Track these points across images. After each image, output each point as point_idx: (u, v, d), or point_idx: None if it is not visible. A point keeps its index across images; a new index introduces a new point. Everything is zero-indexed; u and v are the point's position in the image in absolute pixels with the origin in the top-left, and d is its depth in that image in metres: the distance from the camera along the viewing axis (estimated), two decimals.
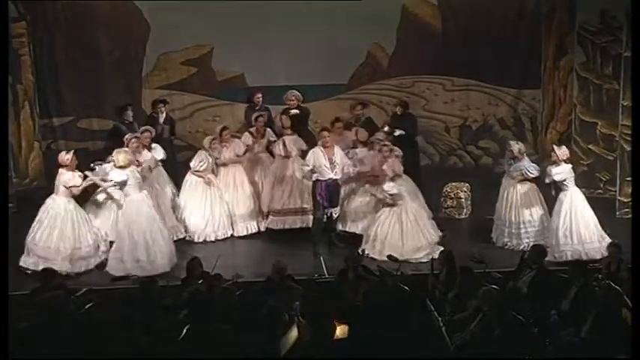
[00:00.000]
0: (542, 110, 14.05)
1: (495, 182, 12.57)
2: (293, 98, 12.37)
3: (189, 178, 11.67)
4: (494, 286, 8.36)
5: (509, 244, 11.16)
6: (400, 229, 10.84)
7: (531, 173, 11.05)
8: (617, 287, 8.32)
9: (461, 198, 12.33)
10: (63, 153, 10.67)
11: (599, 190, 12.69)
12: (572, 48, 12.99)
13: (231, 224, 11.77)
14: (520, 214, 11.10)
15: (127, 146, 11.08)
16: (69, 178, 10.48)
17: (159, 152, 11.64)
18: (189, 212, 11.63)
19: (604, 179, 12.44)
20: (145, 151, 11.46)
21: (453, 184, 12.40)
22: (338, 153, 11.15)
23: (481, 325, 7.55)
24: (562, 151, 10.79)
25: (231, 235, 11.76)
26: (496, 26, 13.90)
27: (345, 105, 13.36)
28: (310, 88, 12.88)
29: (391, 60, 14.23)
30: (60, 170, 10.53)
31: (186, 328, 7.59)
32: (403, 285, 8.65)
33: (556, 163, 10.73)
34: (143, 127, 11.67)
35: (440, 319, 7.75)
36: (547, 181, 10.83)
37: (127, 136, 11.34)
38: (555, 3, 13.56)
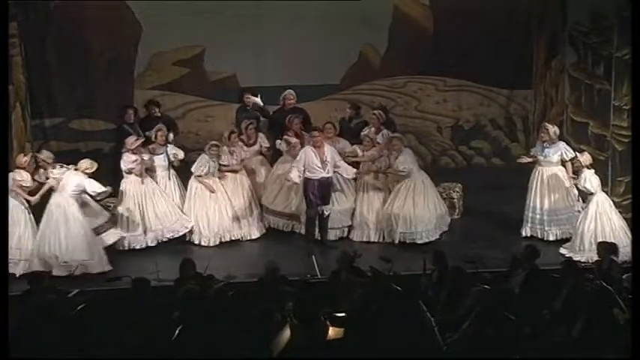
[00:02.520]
0: (533, 110, 14.09)
1: (488, 182, 12.65)
2: (292, 97, 12.37)
3: (194, 185, 11.68)
4: (486, 286, 8.39)
5: (537, 231, 11.41)
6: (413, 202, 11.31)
7: (570, 153, 11.26)
8: (608, 287, 8.35)
9: (453, 198, 12.36)
10: None
11: None
12: (564, 48, 13.03)
13: (239, 227, 11.77)
14: (556, 200, 11.30)
15: (131, 150, 11.26)
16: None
17: (173, 150, 11.76)
18: (200, 218, 11.62)
19: None
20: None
21: (446, 184, 12.42)
22: (329, 151, 11.19)
23: (473, 325, 7.56)
24: (585, 158, 10.91)
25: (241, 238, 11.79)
26: (488, 26, 13.93)
27: (337, 105, 13.37)
28: (303, 88, 12.89)
29: (383, 60, 14.25)
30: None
31: (179, 328, 7.59)
32: (395, 285, 8.65)
33: (580, 170, 10.85)
34: (157, 127, 11.77)
35: (432, 319, 7.76)
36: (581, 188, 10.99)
37: (129, 140, 11.42)
38: (546, 3, 13.60)
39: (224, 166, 11.75)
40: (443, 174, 12.58)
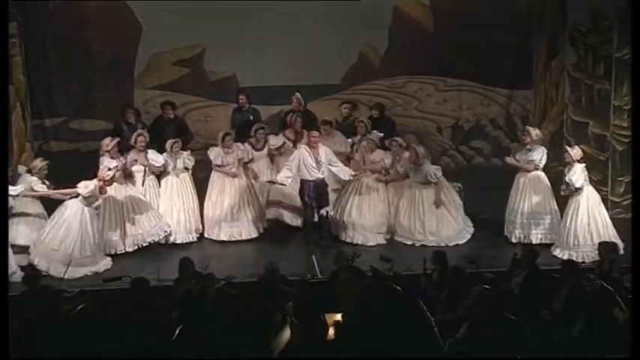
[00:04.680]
0: (534, 110, 14.09)
1: (488, 182, 12.64)
2: (295, 101, 12.43)
3: (165, 182, 11.78)
4: (486, 286, 8.40)
5: (520, 235, 11.32)
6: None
7: (543, 161, 11.27)
8: (608, 287, 8.36)
9: None
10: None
11: None
12: (564, 48, 13.03)
13: (220, 227, 11.83)
14: (532, 204, 11.26)
15: (109, 150, 11.21)
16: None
17: (153, 157, 11.66)
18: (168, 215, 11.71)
19: (595, 179, 12.47)
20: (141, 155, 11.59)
21: None
22: (323, 151, 11.20)
23: (473, 325, 7.56)
24: (575, 152, 10.92)
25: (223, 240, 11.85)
26: (488, 27, 13.91)
27: (337, 105, 13.36)
28: (303, 88, 12.89)
29: (383, 60, 14.24)
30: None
31: (179, 328, 7.59)
32: (396, 285, 8.66)
33: (570, 164, 10.83)
34: (137, 132, 11.73)
35: (432, 319, 7.77)
36: (565, 186, 10.94)
37: (104, 141, 11.38)
38: (546, 4, 13.60)
39: (218, 166, 11.79)
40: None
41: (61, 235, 10.57)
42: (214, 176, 11.89)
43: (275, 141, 12.09)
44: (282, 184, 11.26)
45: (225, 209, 11.74)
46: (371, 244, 11.55)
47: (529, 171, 11.32)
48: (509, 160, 11.60)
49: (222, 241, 11.79)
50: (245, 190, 11.83)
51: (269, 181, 11.64)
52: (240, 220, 11.79)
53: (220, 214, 11.77)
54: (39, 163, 11.11)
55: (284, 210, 12.07)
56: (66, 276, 10.11)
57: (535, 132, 11.47)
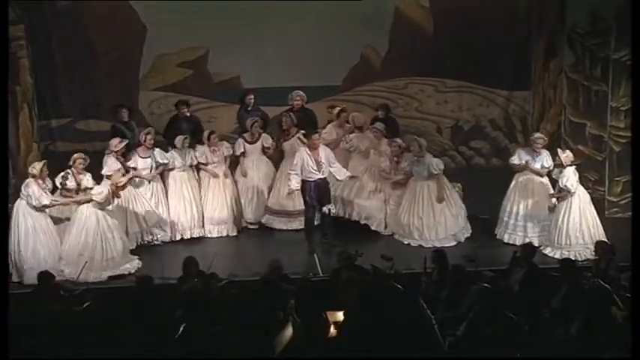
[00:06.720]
0: (532, 111, 14.17)
1: (487, 182, 12.73)
2: (299, 98, 12.56)
3: (169, 180, 11.93)
4: (486, 285, 8.52)
5: (514, 237, 11.42)
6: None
7: (549, 162, 11.34)
8: (606, 285, 8.48)
9: None
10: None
11: (588, 190, 12.74)
12: (562, 50, 13.13)
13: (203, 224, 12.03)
14: (531, 206, 11.36)
15: (117, 150, 11.32)
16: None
17: (159, 156, 11.78)
18: (176, 211, 11.87)
19: (592, 179, 12.60)
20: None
21: None
22: (323, 153, 11.33)
23: (473, 323, 7.67)
24: (566, 156, 11.01)
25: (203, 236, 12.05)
26: (487, 28, 13.96)
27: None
28: (304, 89, 12.97)
29: (384, 62, 14.30)
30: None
31: (183, 326, 7.69)
32: (396, 283, 8.77)
33: (560, 166, 10.95)
34: (146, 130, 11.84)
35: (433, 317, 7.87)
36: (557, 192, 11.08)
37: (113, 142, 11.48)
38: (546, 4, 13.68)
39: (202, 164, 11.96)
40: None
41: (82, 242, 10.51)
42: (200, 175, 12.10)
43: (268, 142, 12.27)
44: (296, 189, 11.36)
45: (208, 207, 11.95)
46: (374, 228, 11.79)
47: (540, 175, 11.40)
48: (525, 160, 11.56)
49: (223, 240, 11.95)
50: (227, 189, 12.02)
51: (288, 192, 11.63)
52: (222, 218, 11.98)
53: (205, 212, 11.99)
54: (38, 165, 10.89)
55: (277, 216, 12.24)
56: (91, 279, 10.27)
57: (544, 137, 11.57)
